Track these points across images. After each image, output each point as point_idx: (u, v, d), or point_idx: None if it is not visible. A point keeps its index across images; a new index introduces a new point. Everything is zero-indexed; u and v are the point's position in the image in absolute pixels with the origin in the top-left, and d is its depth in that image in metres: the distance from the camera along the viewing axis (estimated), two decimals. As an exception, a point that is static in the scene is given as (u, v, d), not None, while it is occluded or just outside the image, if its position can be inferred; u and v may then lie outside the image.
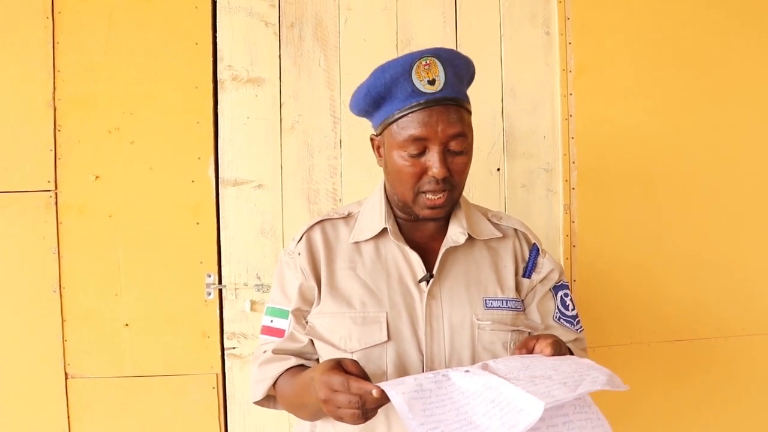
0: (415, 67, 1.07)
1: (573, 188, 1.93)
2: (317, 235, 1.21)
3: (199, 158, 1.84)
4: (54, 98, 1.80)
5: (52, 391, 1.78)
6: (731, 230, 2.01)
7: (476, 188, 1.89)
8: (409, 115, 1.08)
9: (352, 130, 1.87)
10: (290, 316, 1.17)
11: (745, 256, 2.02)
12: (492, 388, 0.86)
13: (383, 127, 1.14)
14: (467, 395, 0.88)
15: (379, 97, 1.11)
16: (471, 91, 1.17)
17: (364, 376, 0.92)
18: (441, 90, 1.08)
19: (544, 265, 1.24)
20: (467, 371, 0.91)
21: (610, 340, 1.93)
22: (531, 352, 1.00)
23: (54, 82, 1.80)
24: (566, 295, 1.25)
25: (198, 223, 1.83)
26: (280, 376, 1.14)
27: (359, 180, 1.87)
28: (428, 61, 1.08)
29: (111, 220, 1.81)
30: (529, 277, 1.22)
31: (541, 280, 1.23)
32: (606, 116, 1.95)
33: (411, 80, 1.07)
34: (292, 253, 1.21)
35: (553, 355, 0.96)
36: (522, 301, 1.20)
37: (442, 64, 1.08)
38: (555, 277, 1.24)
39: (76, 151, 1.81)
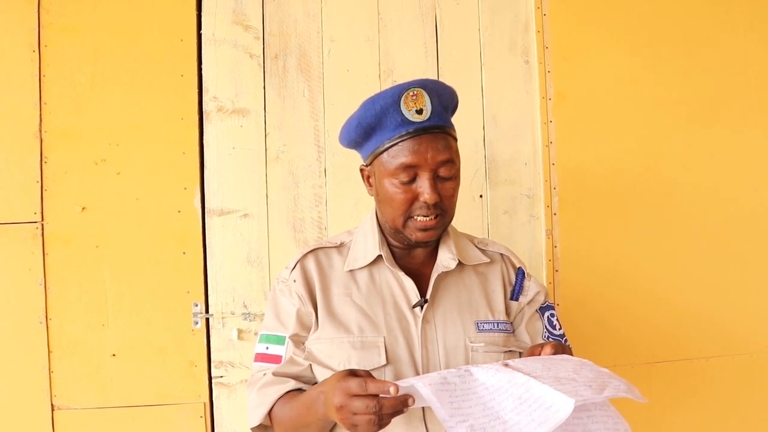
0: (403, 97, 1.11)
1: (555, 213, 1.96)
2: (311, 263, 1.23)
3: (185, 188, 1.85)
4: (40, 130, 1.81)
5: (38, 423, 1.77)
6: (712, 254, 2.04)
7: (460, 214, 1.87)
8: (400, 143, 1.12)
9: (337, 159, 1.89)
10: (288, 341, 1.18)
11: (724, 279, 2.04)
12: (519, 385, 0.88)
13: (373, 157, 1.17)
14: (492, 391, 0.89)
15: (369, 127, 1.15)
16: (453, 119, 1.21)
17: None
18: (428, 119, 1.12)
19: (530, 287, 1.28)
20: (490, 368, 0.92)
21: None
22: None
23: (40, 114, 1.82)
24: (552, 315, 1.28)
25: (184, 253, 1.84)
26: (277, 400, 1.14)
27: (344, 208, 1.89)
28: (415, 92, 1.12)
29: (98, 250, 1.82)
30: (516, 299, 1.25)
31: (528, 302, 1.26)
32: (585, 142, 1.98)
33: (400, 110, 1.11)
34: (286, 281, 1.23)
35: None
36: (511, 323, 1.23)
37: (428, 94, 1.13)
38: (541, 298, 1.28)
39: (62, 182, 1.82)
